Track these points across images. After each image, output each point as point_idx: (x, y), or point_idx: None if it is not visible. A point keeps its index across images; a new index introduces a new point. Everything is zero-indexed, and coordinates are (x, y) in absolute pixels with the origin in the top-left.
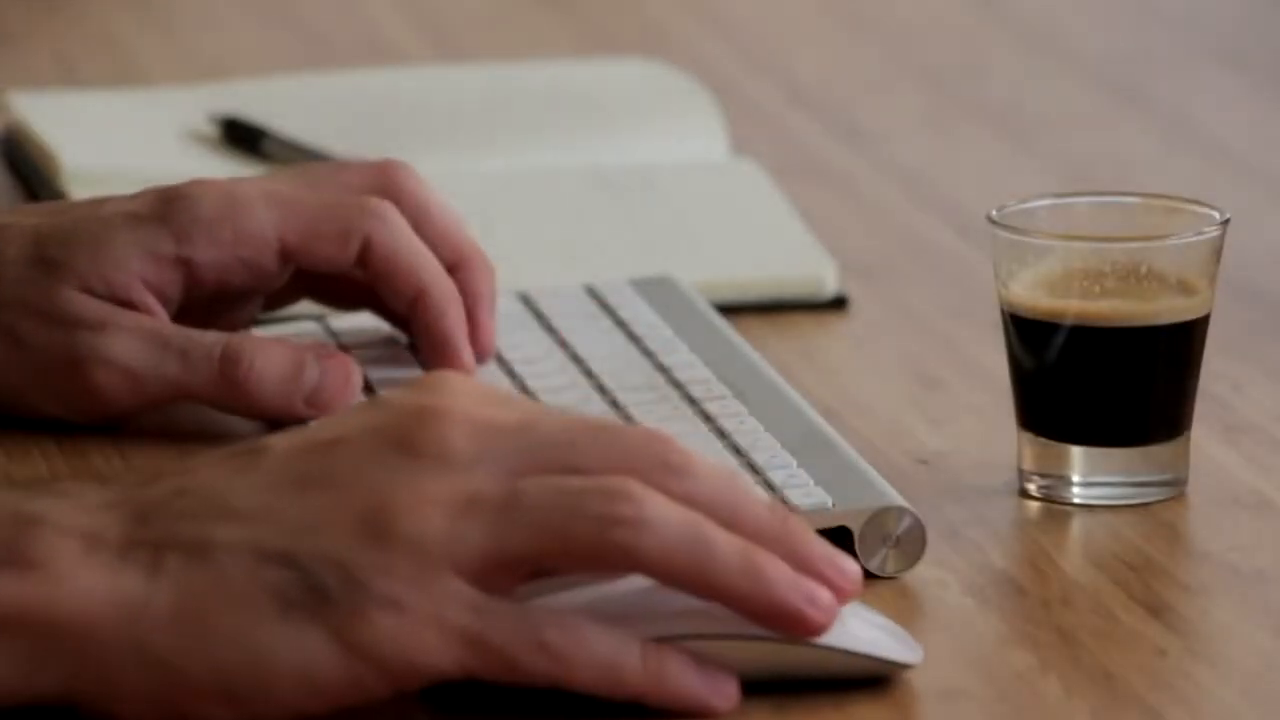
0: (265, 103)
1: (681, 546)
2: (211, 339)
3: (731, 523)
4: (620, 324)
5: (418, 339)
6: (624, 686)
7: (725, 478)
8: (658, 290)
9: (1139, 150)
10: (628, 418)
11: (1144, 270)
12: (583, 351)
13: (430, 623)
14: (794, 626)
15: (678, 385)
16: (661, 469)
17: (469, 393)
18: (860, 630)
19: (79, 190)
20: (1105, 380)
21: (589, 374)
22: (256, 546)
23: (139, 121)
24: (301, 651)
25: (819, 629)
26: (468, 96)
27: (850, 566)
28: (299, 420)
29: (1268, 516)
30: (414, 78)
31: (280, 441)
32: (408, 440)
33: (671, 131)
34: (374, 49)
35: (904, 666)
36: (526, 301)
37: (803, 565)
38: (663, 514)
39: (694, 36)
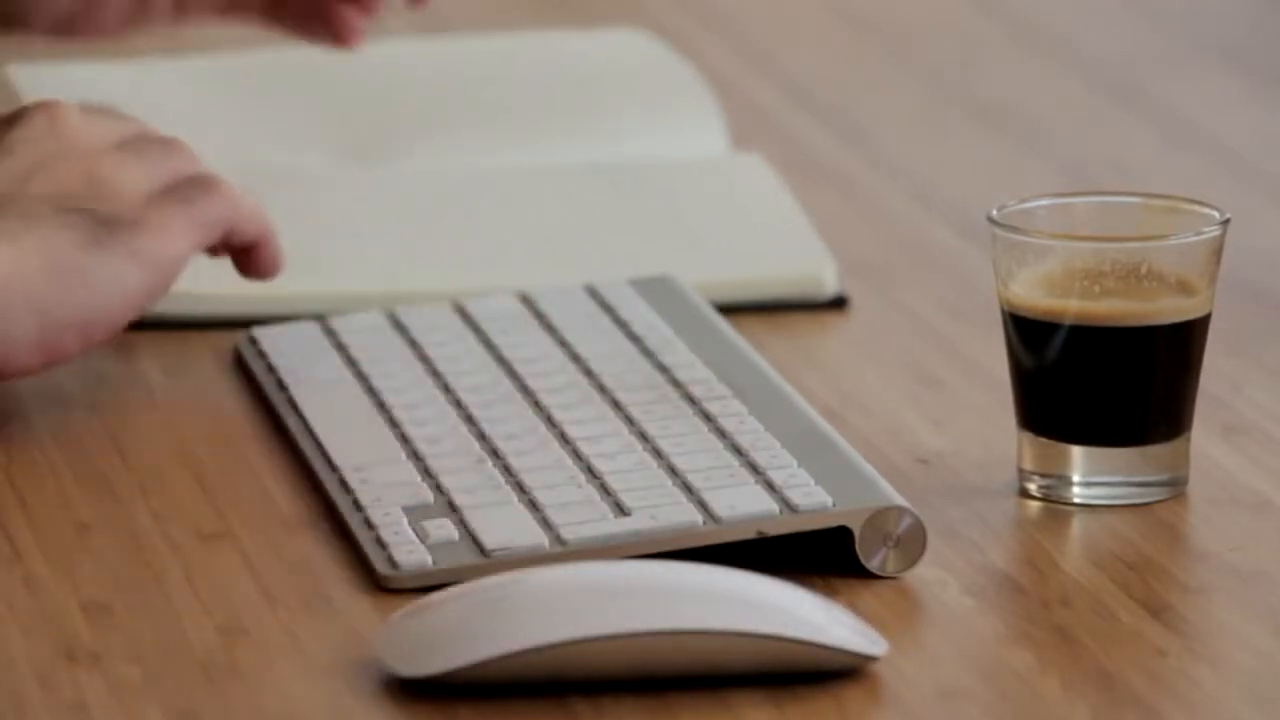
0: (261, 77)
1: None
2: None
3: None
4: (620, 324)
5: None
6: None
7: None
8: (658, 290)
9: (1139, 150)
10: (628, 418)
11: (1144, 270)
12: (583, 351)
13: (164, 225)
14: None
15: (678, 385)
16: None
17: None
18: (830, 627)
19: None
20: (1105, 380)
21: (589, 374)
22: (52, 203)
23: (130, 95)
24: (116, 274)
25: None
26: (463, 81)
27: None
28: None
29: (1268, 516)
30: (402, 54)
31: None
32: (55, 128)
33: (668, 119)
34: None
35: (871, 659)
36: (526, 301)
37: None
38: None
39: (694, 36)
